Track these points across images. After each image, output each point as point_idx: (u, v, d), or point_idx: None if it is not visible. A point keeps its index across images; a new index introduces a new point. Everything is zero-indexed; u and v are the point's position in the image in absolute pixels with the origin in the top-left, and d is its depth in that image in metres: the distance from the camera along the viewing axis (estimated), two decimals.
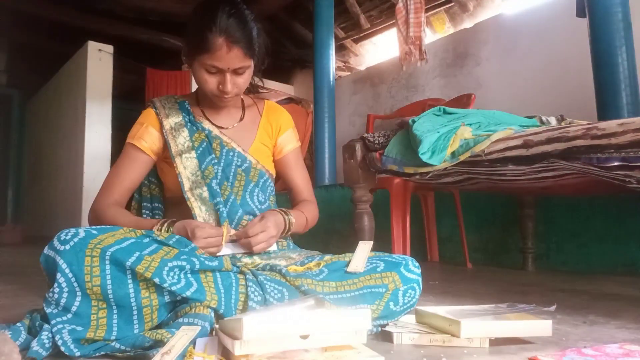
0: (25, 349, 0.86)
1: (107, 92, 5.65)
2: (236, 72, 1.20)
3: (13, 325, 0.94)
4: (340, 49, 6.08)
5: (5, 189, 8.21)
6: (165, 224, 1.15)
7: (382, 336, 1.05)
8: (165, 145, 1.27)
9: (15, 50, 6.87)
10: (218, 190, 1.24)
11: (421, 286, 1.14)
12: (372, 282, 1.07)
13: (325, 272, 1.08)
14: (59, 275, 0.89)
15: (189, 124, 1.29)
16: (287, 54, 6.54)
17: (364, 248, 1.18)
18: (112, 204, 1.25)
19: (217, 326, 0.91)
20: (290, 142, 1.42)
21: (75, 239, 0.91)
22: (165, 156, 1.31)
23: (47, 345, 0.85)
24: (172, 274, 0.93)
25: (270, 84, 6.19)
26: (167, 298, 0.93)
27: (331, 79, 4.48)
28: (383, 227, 2.31)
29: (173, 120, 1.28)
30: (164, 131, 1.27)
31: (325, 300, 1.01)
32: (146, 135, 1.29)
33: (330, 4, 4.62)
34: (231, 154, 1.29)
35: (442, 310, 1.07)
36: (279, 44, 6.35)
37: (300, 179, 1.41)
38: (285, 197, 1.50)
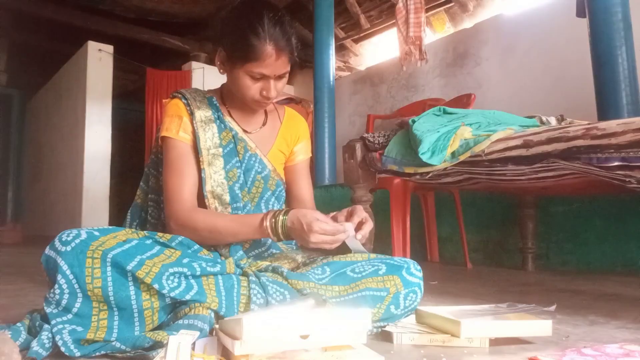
0: (25, 349, 0.86)
1: (107, 92, 5.65)
2: (278, 77, 1.18)
3: (13, 325, 0.94)
4: (340, 49, 6.08)
5: (5, 188, 8.21)
6: (280, 216, 1.09)
7: (382, 336, 1.05)
8: (194, 138, 1.23)
9: (15, 50, 6.87)
10: (239, 194, 1.22)
11: (422, 290, 1.14)
12: (374, 285, 1.07)
13: (327, 271, 1.08)
14: (59, 276, 0.89)
15: (218, 121, 1.25)
16: None
17: (350, 236, 1.11)
18: (193, 209, 1.17)
19: (217, 326, 0.91)
20: (304, 152, 1.40)
21: (77, 241, 0.91)
22: None
23: (47, 346, 0.86)
24: (172, 278, 0.93)
25: None
26: (168, 300, 0.93)
27: (331, 79, 4.47)
28: (383, 227, 2.31)
29: (203, 113, 1.24)
30: (194, 122, 1.22)
31: (327, 301, 1.01)
32: (184, 127, 1.23)
33: (330, 4, 4.62)
34: (253, 159, 1.27)
35: (442, 310, 1.07)
36: None
37: (306, 189, 1.40)
38: None
